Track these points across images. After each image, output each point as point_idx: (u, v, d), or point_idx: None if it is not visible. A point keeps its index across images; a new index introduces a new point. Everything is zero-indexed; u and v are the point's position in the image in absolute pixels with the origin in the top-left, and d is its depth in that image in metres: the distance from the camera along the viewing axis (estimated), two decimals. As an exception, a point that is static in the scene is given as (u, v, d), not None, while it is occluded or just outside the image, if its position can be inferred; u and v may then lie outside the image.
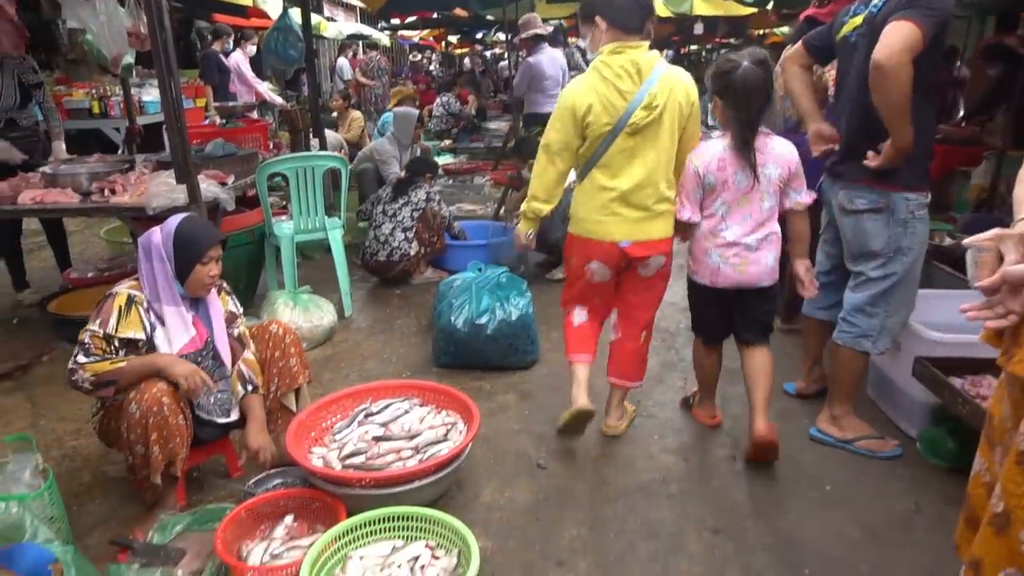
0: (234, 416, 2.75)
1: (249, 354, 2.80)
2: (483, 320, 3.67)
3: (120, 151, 7.85)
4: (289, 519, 2.57)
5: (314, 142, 6.13)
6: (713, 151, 2.76)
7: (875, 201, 2.75)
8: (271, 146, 5.79)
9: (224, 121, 6.18)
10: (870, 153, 2.67)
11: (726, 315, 2.99)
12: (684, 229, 2.89)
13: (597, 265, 2.87)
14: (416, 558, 2.30)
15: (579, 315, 3.07)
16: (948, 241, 4.26)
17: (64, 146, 5.00)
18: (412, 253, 5.06)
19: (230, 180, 4.15)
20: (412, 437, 2.77)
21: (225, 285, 2.87)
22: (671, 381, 3.74)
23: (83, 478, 2.96)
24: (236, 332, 2.80)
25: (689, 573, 2.35)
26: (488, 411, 3.27)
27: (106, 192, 3.86)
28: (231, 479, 2.90)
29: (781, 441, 2.85)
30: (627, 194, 2.72)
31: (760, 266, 2.81)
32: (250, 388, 2.75)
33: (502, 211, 6.21)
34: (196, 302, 2.69)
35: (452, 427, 2.84)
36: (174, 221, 2.62)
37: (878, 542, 2.49)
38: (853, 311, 2.91)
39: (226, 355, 2.72)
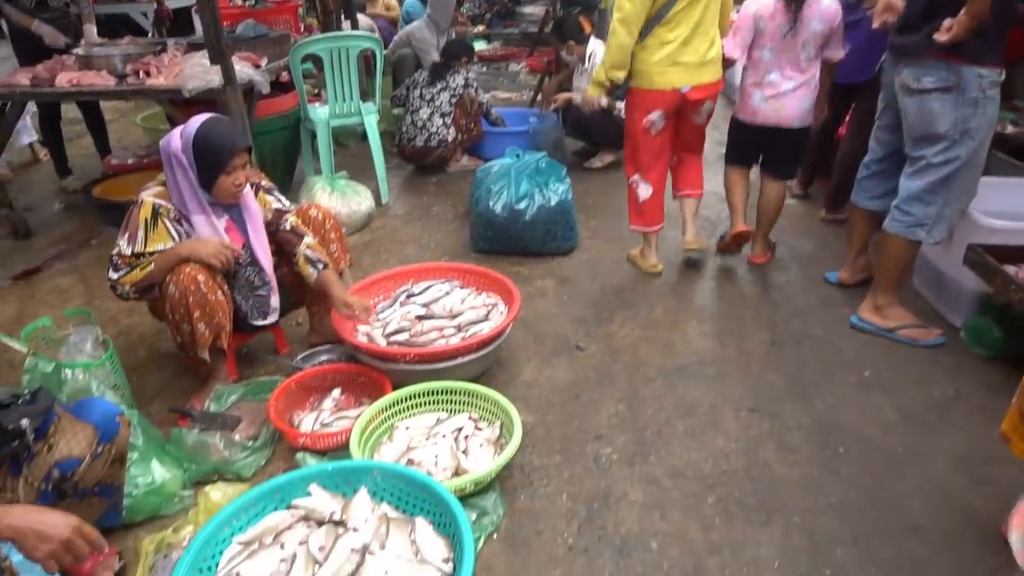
0: (271, 319, 2.75)
1: (310, 240, 2.72)
2: (522, 205, 3.64)
3: (150, 35, 7.71)
4: (336, 392, 2.67)
5: (346, 24, 5.94)
6: (768, 1, 3.20)
7: (944, 79, 2.59)
8: (302, 28, 5.62)
9: (253, 2, 5.99)
10: (944, 23, 2.49)
11: (758, 148, 3.53)
12: (727, 66, 3.34)
13: (657, 116, 3.27)
14: (460, 429, 2.39)
15: (644, 190, 3.48)
16: (1011, 129, 4.04)
17: (95, 29, 4.92)
18: (449, 139, 4.98)
19: (263, 62, 4.06)
20: (454, 316, 2.81)
21: (264, 183, 2.77)
22: (709, 268, 3.72)
23: (139, 353, 3.09)
24: (288, 226, 2.70)
25: (724, 448, 2.41)
26: (527, 295, 3.29)
27: (141, 75, 3.82)
28: (280, 355, 3.00)
29: (821, 329, 2.86)
30: (686, 45, 3.12)
31: (795, 109, 3.31)
32: (320, 267, 2.68)
33: (539, 98, 6.03)
34: (230, 206, 2.58)
35: (493, 308, 2.87)
36: (194, 124, 2.44)
37: (915, 425, 2.51)
38: (909, 199, 2.81)
39: (265, 261, 2.65)
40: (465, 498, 2.13)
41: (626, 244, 3.90)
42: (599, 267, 3.74)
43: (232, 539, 1.91)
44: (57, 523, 1.43)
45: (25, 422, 1.65)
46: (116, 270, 2.46)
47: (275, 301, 2.74)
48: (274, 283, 2.72)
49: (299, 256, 2.69)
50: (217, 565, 1.85)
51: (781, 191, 3.55)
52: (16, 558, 1.67)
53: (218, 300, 2.47)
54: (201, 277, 2.42)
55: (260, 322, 2.73)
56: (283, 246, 2.73)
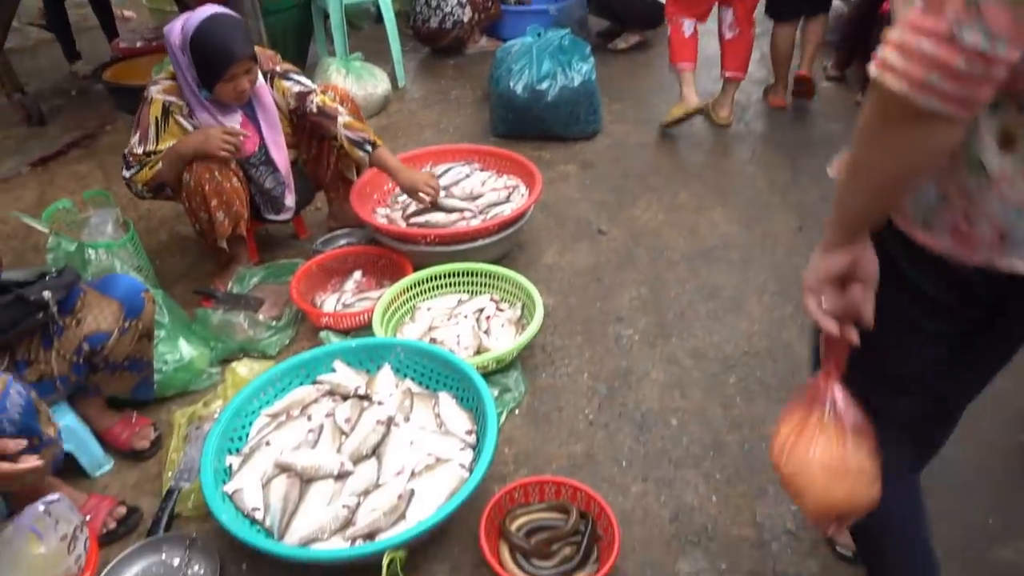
0: (285, 216, 2.69)
1: (345, 117, 2.52)
2: (544, 86, 3.49)
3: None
4: (358, 274, 2.67)
5: None
6: None
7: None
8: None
9: None
10: None
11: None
12: None
13: None
14: (481, 309, 2.39)
15: (688, 26, 3.49)
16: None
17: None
18: (465, 20, 4.75)
19: (270, -68, 3.82)
20: (475, 199, 2.76)
21: (279, 68, 2.56)
22: (738, 154, 3.59)
23: (160, 237, 3.10)
24: (314, 108, 2.50)
25: (747, 331, 2.40)
26: (548, 180, 3.21)
27: (143, -54, 3.61)
28: (299, 239, 2.99)
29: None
30: None
31: None
32: (369, 148, 2.53)
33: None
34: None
35: (514, 190, 2.81)
36: (195, 20, 2.26)
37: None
38: None
39: (280, 160, 2.55)
40: (487, 376, 2.15)
41: (652, 128, 3.77)
42: (623, 151, 3.62)
43: (260, 412, 1.96)
44: (33, 477, 1.49)
45: (47, 294, 1.66)
46: (128, 168, 2.40)
47: (290, 200, 2.65)
48: (290, 182, 2.62)
49: (341, 139, 2.52)
50: (247, 435, 1.90)
51: (821, 25, 3.74)
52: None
53: (234, 187, 2.41)
54: (215, 165, 2.35)
55: (274, 217, 2.69)
56: (318, 130, 2.57)
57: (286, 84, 2.53)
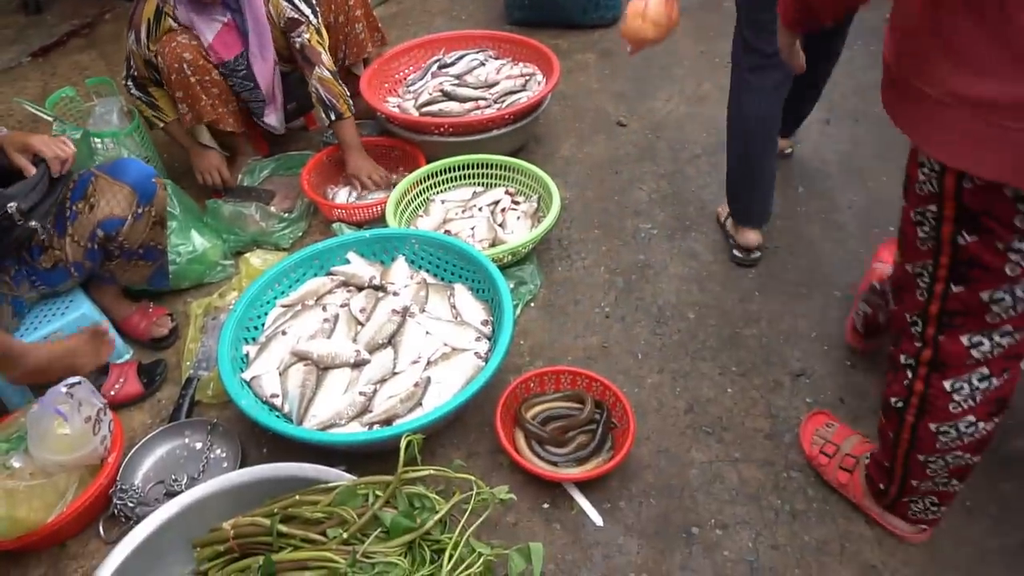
0: (274, 127, 2.55)
1: (323, 71, 2.33)
2: (562, -33, 3.29)
3: None
4: (370, 166, 2.60)
5: None
6: None
7: None
8: None
9: None
10: None
11: None
12: None
13: None
14: (497, 202, 2.34)
15: None
16: None
17: None
18: None
19: None
20: (489, 87, 2.65)
21: None
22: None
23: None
24: (299, 44, 2.31)
25: (769, 226, 2.33)
26: (566, 69, 3.07)
27: None
28: (309, 130, 2.90)
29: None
30: None
31: None
32: (333, 116, 2.35)
33: None
34: (235, 5, 2.27)
35: (530, 78, 2.69)
36: None
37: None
38: None
39: (263, 76, 2.37)
40: (502, 269, 2.12)
41: (675, 14, 3.56)
42: (644, 40, 3.44)
43: (275, 302, 1.95)
44: (85, 361, 1.68)
45: (12, 206, 1.62)
46: (128, 70, 2.35)
47: (274, 120, 2.51)
48: (277, 101, 2.47)
49: (311, 91, 2.35)
50: (263, 325, 1.91)
51: None
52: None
53: (203, 87, 2.29)
54: (187, 56, 2.23)
55: (263, 124, 2.56)
56: (297, 64, 2.40)
57: (283, 3, 2.30)
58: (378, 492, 1.35)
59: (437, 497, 1.35)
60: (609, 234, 2.34)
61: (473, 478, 1.35)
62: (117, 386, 1.88)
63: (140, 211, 1.78)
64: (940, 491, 1.37)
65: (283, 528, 1.32)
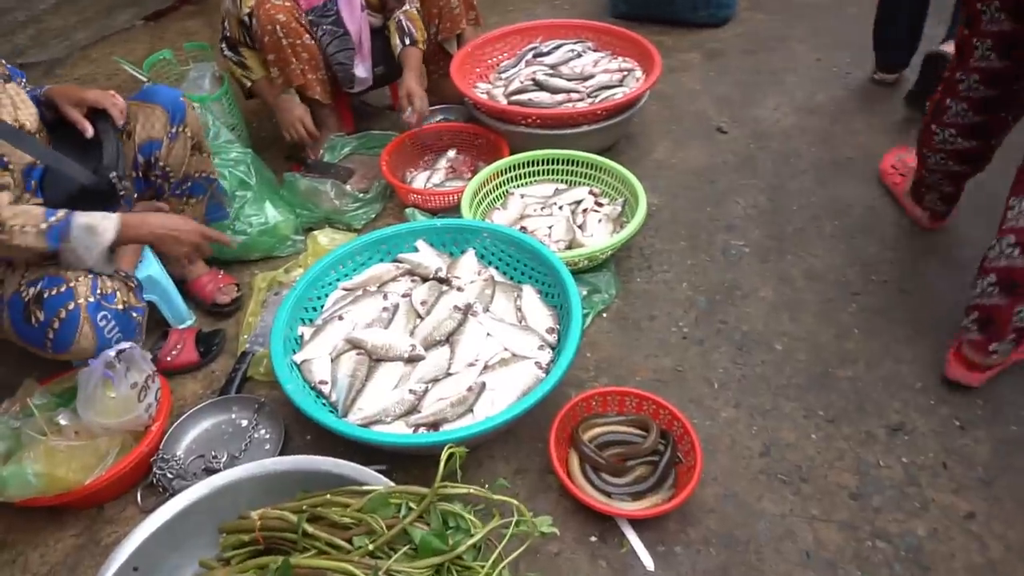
0: (360, 88, 2.48)
1: (411, 8, 2.40)
2: (675, -40, 3.10)
3: None
4: (452, 153, 2.52)
5: None
6: None
7: None
8: None
9: None
10: None
11: None
12: None
13: None
14: (579, 202, 2.20)
15: None
16: None
17: None
18: None
19: None
20: (584, 79, 2.51)
21: None
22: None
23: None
24: None
25: (877, 256, 2.10)
26: (668, 68, 2.89)
27: None
28: (395, 111, 2.84)
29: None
30: None
31: None
32: (407, 41, 2.36)
33: None
34: None
35: (628, 74, 2.54)
36: None
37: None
38: None
39: (351, 21, 2.31)
40: (577, 273, 1.99)
41: (792, 21, 3.32)
42: (756, 42, 3.22)
43: (337, 284, 1.88)
44: (189, 227, 1.64)
45: (113, 175, 1.67)
46: (222, 32, 2.32)
47: (362, 71, 2.42)
48: (364, 49, 2.39)
49: (392, 22, 2.38)
50: (322, 307, 1.84)
51: None
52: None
53: (294, 51, 2.24)
54: (281, 18, 2.18)
55: (348, 90, 2.50)
56: (387, 4, 2.42)
57: None
58: (412, 504, 1.25)
59: (474, 519, 1.24)
60: (696, 248, 2.16)
61: (515, 503, 1.24)
62: (175, 352, 1.86)
63: (175, 131, 1.78)
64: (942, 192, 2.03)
65: (309, 528, 1.24)
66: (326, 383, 1.64)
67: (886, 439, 1.62)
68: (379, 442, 1.43)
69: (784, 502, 1.52)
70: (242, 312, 2.03)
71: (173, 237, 1.61)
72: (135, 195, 1.78)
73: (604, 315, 1.96)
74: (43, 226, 1.44)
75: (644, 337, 1.90)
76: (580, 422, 1.60)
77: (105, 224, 1.50)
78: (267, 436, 1.70)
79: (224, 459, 1.63)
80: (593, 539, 1.48)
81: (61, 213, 1.46)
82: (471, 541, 1.19)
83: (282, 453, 1.65)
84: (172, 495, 1.45)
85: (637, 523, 1.48)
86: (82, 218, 1.48)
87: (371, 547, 1.20)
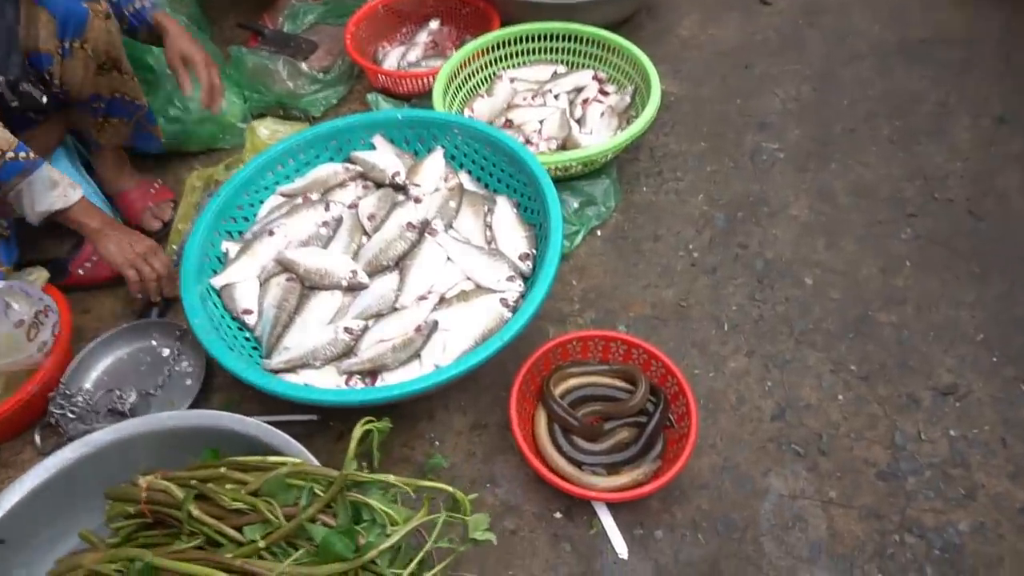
0: None
1: None
2: None
3: None
4: (434, 24, 2.10)
5: None
6: None
7: None
8: None
9: None
10: None
11: None
12: None
13: None
14: (579, 90, 1.81)
15: None
16: None
17: None
18: None
19: None
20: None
21: None
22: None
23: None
24: None
25: (944, 168, 1.71)
26: (707, -81, 2.37)
27: None
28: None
29: None
30: None
31: None
32: None
33: None
34: None
35: (653, -75, 2.05)
36: None
37: None
38: None
39: None
40: (570, 180, 1.65)
41: None
42: None
43: (276, 188, 1.57)
44: (154, 264, 1.45)
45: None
46: None
47: None
48: None
49: None
50: (255, 216, 1.53)
51: None
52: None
53: None
54: None
55: None
56: None
57: None
58: (319, 490, 1.00)
59: (394, 511, 0.99)
60: (719, 151, 1.78)
61: (452, 490, 0.98)
62: (89, 264, 1.58)
63: (67, 46, 1.37)
64: None
65: (195, 511, 1.00)
66: (251, 313, 1.37)
67: (932, 404, 1.31)
68: (288, 397, 1.16)
69: (796, 479, 1.24)
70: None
71: (122, 260, 1.41)
72: (44, 102, 1.43)
73: (598, 233, 1.62)
74: (8, 155, 1.25)
75: (644, 262, 1.57)
76: (553, 371, 1.32)
77: (68, 192, 1.35)
78: (189, 370, 1.45)
79: (133, 399, 1.38)
80: (558, 515, 1.23)
81: (33, 154, 1.29)
82: (384, 545, 0.94)
83: (202, 392, 1.41)
84: (70, 440, 1.23)
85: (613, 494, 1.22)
86: (52, 172, 1.32)
87: (262, 543, 0.96)
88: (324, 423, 1.33)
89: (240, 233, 1.50)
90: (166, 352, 1.48)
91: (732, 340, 1.43)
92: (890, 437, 1.28)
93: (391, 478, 0.99)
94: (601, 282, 1.54)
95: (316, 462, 1.09)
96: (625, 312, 1.48)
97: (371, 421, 1.01)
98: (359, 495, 0.99)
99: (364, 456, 1.00)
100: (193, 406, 1.39)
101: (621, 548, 1.18)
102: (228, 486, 1.05)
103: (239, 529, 0.99)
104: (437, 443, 1.32)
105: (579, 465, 1.22)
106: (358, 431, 0.99)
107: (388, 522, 0.98)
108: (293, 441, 1.12)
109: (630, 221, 1.65)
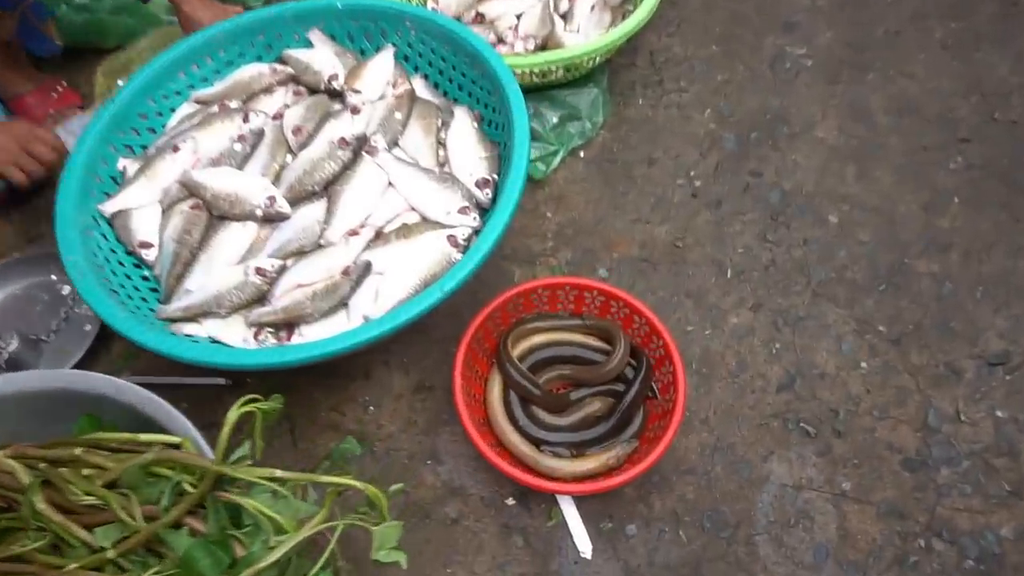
0: None
1: None
2: None
3: None
4: None
5: None
6: None
7: None
8: None
9: None
10: None
11: None
12: None
13: None
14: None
15: None
16: None
17: None
18: None
19: None
20: None
21: None
22: None
23: None
24: None
25: (1009, 79, 1.40)
26: None
27: None
28: None
29: None
30: None
31: None
32: None
33: None
34: None
35: None
36: None
37: None
38: None
39: None
40: (550, 88, 1.37)
41: None
42: None
43: (190, 93, 1.29)
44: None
45: None
46: None
47: None
48: None
49: None
50: (164, 127, 1.26)
51: None
52: None
53: None
54: None
55: None
56: None
57: None
58: (189, 485, 0.78)
59: (288, 510, 0.78)
60: (733, 56, 1.48)
61: (362, 487, 0.77)
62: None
63: None
64: None
65: (40, 504, 0.79)
66: (150, 247, 1.12)
67: (976, 377, 1.07)
68: (176, 358, 0.93)
69: (803, 465, 1.02)
70: (83, 125, 1.47)
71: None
72: None
73: (581, 154, 1.35)
74: None
75: (635, 191, 1.30)
76: (513, 326, 1.08)
77: None
78: (89, 312, 1.23)
79: (14, 346, 1.15)
80: (510, 502, 1.02)
81: None
82: (266, 561, 0.73)
83: (101, 339, 1.18)
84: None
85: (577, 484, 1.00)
86: None
87: (111, 552, 0.76)
88: (239, 384, 1.11)
89: (144, 148, 1.23)
90: (66, 290, 1.26)
91: (735, 290, 1.18)
92: (922, 417, 1.05)
93: (278, 473, 0.77)
94: (581, 215, 1.28)
95: (203, 444, 0.87)
96: (608, 252, 1.23)
97: (254, 400, 0.78)
98: (238, 495, 0.77)
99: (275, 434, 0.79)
100: (87, 356, 1.17)
101: (584, 545, 0.98)
102: (85, 472, 0.84)
103: (92, 529, 0.79)
104: (371, 408, 1.10)
105: (537, 443, 1.00)
106: (233, 414, 0.76)
107: (273, 529, 0.76)
108: (177, 414, 0.90)
109: (620, 141, 1.37)
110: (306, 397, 1.11)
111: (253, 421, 0.79)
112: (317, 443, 1.07)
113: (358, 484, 0.77)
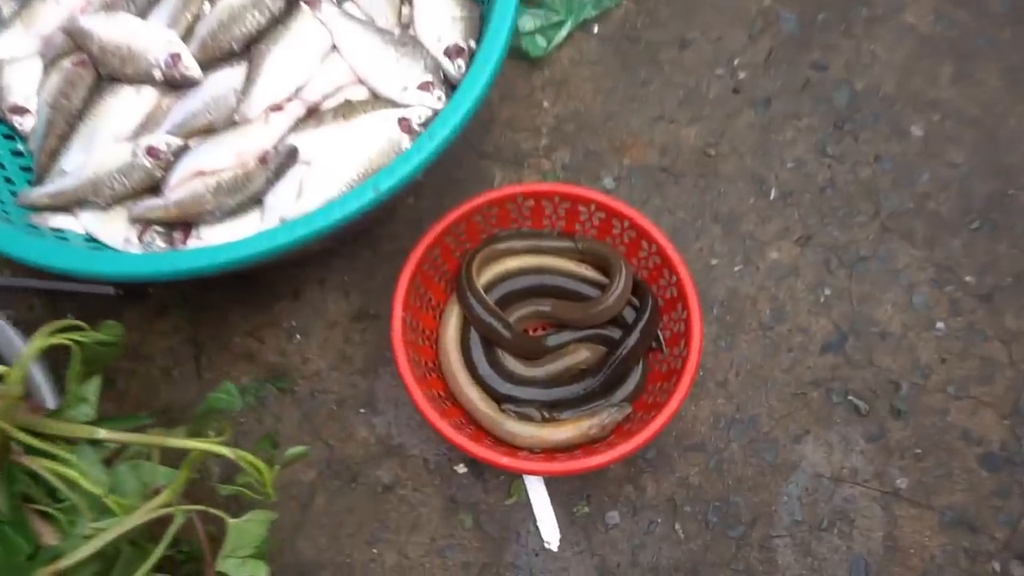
0: None
1: None
2: None
3: None
4: None
5: None
6: None
7: None
8: None
9: None
10: None
11: None
12: None
13: None
14: None
15: None
16: None
17: None
18: None
19: None
20: None
21: None
22: None
23: None
24: None
25: None
26: None
27: None
28: None
29: None
30: None
31: None
32: None
33: None
34: None
35: None
36: None
37: None
38: None
39: None
40: (560, -59, 1.05)
41: None
42: None
43: (95, -84, 1.00)
44: None
45: None
46: None
47: None
48: None
49: None
50: (59, -42, 0.98)
51: None
52: None
53: None
54: None
55: None
56: None
57: None
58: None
59: (129, 482, 0.56)
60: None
61: (232, 454, 0.55)
62: None
63: None
64: None
65: None
66: (25, 112, 0.87)
67: (1091, 351, 0.81)
68: (10, 257, 0.69)
69: (847, 451, 0.78)
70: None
71: None
72: None
73: (595, 29, 1.05)
74: None
75: (660, 80, 1.01)
76: (482, 245, 0.82)
77: None
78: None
79: None
80: (461, 469, 0.79)
81: None
82: (81, 554, 0.52)
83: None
84: None
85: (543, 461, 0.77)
86: None
87: None
88: (136, 295, 0.88)
89: (27, -16, 0.96)
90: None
91: (779, 216, 0.91)
92: (1012, 399, 0.79)
93: (101, 432, 0.54)
94: (588, 107, 0.99)
95: (43, 378, 0.64)
96: (617, 157, 0.96)
97: (74, 327, 0.55)
98: (57, 458, 0.55)
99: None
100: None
101: (550, 533, 0.76)
102: None
103: None
104: (297, 337, 0.87)
105: (500, 401, 0.76)
106: (32, 347, 0.53)
107: (96, 509, 0.54)
108: (12, 334, 0.67)
109: (647, 14, 1.06)
110: (219, 316, 0.88)
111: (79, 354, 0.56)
112: (228, 375, 0.85)
113: (225, 450, 0.55)
